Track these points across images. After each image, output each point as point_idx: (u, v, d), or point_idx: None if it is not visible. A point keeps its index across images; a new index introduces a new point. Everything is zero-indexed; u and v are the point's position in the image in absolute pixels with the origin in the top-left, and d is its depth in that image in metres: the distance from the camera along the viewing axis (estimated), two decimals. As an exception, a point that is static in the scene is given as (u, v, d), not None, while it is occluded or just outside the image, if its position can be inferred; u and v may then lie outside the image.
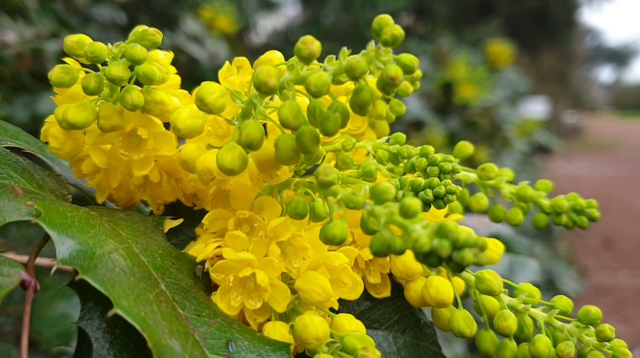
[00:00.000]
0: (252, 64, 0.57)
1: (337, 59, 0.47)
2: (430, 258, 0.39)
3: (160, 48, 1.88)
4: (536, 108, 12.79)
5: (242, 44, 3.61)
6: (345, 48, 0.46)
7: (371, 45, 0.45)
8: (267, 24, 5.38)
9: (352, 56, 0.45)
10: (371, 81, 0.53)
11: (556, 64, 15.89)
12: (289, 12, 6.17)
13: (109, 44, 0.52)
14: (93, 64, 0.54)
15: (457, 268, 0.38)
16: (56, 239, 0.44)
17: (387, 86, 0.44)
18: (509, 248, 0.98)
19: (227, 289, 0.50)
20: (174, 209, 0.64)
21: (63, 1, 2.76)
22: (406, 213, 0.40)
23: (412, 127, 3.70)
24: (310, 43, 0.43)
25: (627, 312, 6.26)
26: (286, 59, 0.50)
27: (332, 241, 0.45)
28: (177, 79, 0.58)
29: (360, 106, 0.45)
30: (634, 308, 6.36)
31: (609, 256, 7.98)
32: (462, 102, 3.86)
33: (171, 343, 0.40)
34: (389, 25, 0.43)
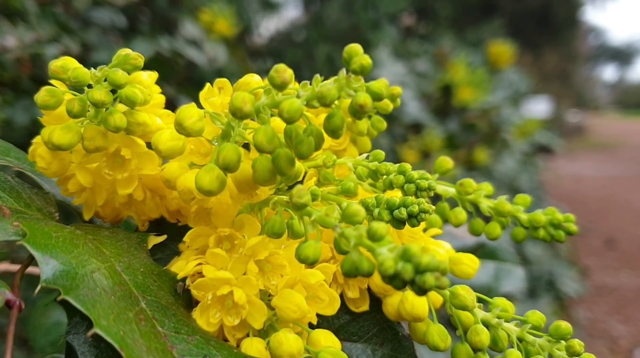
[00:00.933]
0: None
1: (311, 83, 0.48)
2: (394, 281, 0.40)
3: (159, 52, 1.88)
4: (539, 107, 12.78)
5: (241, 47, 3.63)
6: (318, 75, 0.47)
7: (342, 72, 0.46)
8: (269, 25, 5.39)
9: (324, 84, 0.47)
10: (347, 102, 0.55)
11: (559, 63, 15.87)
12: (291, 13, 6.18)
13: (92, 68, 0.53)
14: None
15: (420, 291, 0.39)
16: (40, 260, 0.45)
17: (357, 112, 0.45)
18: (495, 256, 1.00)
19: (206, 306, 0.52)
20: (159, 224, 0.65)
21: (63, 5, 2.78)
22: (373, 237, 0.42)
23: (411, 129, 3.71)
24: (283, 72, 0.45)
25: (628, 312, 6.26)
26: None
27: (306, 261, 0.47)
28: (162, 99, 0.60)
29: (332, 131, 0.47)
30: (635, 308, 6.37)
31: (610, 256, 7.98)
32: (461, 104, 3.87)
33: (148, 361, 0.42)
34: (358, 55, 0.45)
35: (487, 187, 0.69)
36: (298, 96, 0.47)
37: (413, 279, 0.39)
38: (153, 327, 0.47)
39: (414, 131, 3.75)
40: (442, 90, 3.94)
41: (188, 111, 0.49)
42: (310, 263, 0.47)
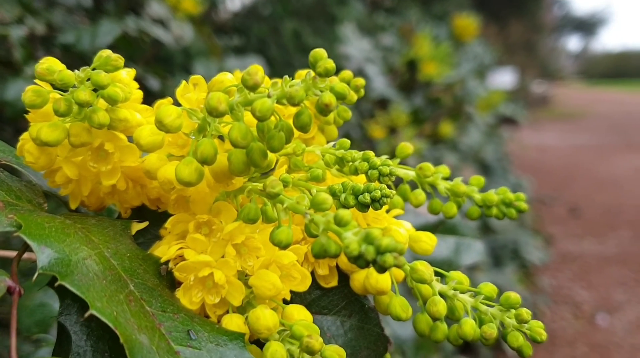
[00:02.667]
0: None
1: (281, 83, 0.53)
2: (359, 261, 0.46)
3: (126, 32, 1.89)
4: (504, 79, 12.94)
5: (207, 24, 3.62)
6: (287, 76, 0.52)
7: (309, 74, 0.51)
8: (235, 0, 5.36)
9: (292, 84, 0.51)
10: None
11: (524, 34, 16.03)
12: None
13: (76, 70, 0.57)
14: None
15: (381, 269, 0.45)
16: (36, 249, 0.50)
17: (323, 111, 0.50)
18: (455, 231, 1.06)
19: (188, 287, 0.57)
20: (139, 211, 0.70)
21: (26, -15, 2.75)
22: (340, 222, 0.47)
23: (378, 105, 3.76)
24: (255, 74, 0.50)
25: (591, 278, 6.46)
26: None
27: (279, 245, 0.52)
28: (140, 94, 0.64)
29: (301, 127, 0.52)
30: (598, 274, 6.57)
31: (574, 224, 8.19)
32: (426, 79, 3.93)
33: (140, 338, 0.47)
34: (322, 59, 0.50)
35: (444, 170, 0.75)
36: (269, 96, 0.51)
37: (375, 259, 0.45)
38: (142, 307, 0.52)
39: (381, 106, 3.80)
40: (408, 65, 3.99)
41: (167, 109, 0.54)
42: (284, 247, 0.52)
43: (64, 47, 2.59)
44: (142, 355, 0.46)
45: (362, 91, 0.74)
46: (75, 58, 2.87)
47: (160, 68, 2.94)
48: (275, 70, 3.54)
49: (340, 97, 0.51)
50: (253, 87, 0.50)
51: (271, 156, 0.59)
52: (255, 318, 0.54)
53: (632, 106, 24.15)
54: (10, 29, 2.40)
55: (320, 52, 0.51)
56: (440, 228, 1.04)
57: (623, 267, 6.72)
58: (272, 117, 0.53)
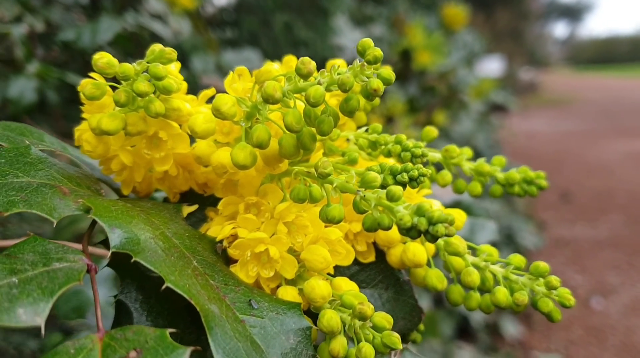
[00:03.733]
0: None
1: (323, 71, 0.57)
2: (411, 232, 0.51)
3: (124, 28, 1.93)
4: (492, 66, 13.00)
5: (202, 19, 3.65)
6: (336, 64, 0.56)
7: (357, 62, 0.56)
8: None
9: (341, 72, 0.56)
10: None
11: (510, 22, 16.09)
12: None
13: (134, 63, 0.61)
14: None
15: (433, 238, 0.50)
16: (108, 230, 0.54)
17: (370, 95, 0.55)
18: (469, 212, 1.11)
19: (245, 262, 0.62)
20: (184, 196, 0.74)
21: (23, -17, 2.77)
22: (392, 198, 0.52)
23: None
24: (308, 63, 0.54)
25: (584, 263, 6.54)
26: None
27: (332, 221, 0.56)
28: (185, 85, 0.68)
29: (349, 111, 0.56)
30: (591, 258, 6.65)
31: (566, 209, 8.27)
32: (420, 68, 3.98)
33: (211, 307, 0.51)
34: (370, 47, 0.54)
35: (467, 151, 0.79)
36: (319, 83, 0.56)
37: (427, 229, 0.49)
38: (207, 281, 0.56)
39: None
40: (401, 55, 4.03)
41: (223, 98, 0.58)
42: (336, 223, 0.57)
43: (64, 45, 2.61)
44: (215, 323, 0.50)
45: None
46: (76, 55, 2.90)
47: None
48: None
49: (386, 83, 0.55)
50: (307, 76, 0.54)
51: (315, 145, 0.64)
52: (310, 288, 0.58)
53: (620, 92, 24.34)
54: (11, 28, 2.42)
55: (368, 42, 0.55)
56: (455, 208, 1.08)
57: (616, 251, 6.81)
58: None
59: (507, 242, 4.89)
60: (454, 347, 3.33)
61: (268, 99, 0.55)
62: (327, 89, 0.57)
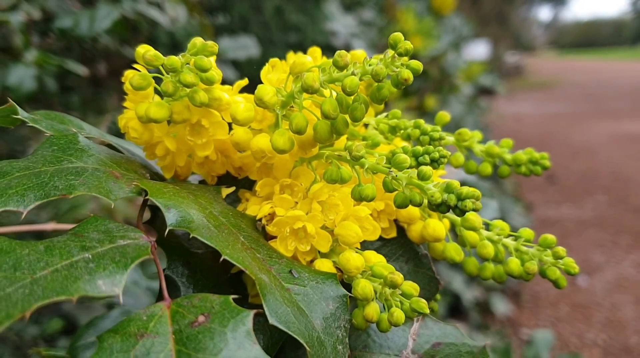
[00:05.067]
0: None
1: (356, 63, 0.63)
2: (441, 207, 0.57)
3: (123, 16, 1.97)
4: (478, 51, 13.07)
5: (197, 6, 3.67)
6: (367, 57, 0.62)
7: (387, 53, 0.61)
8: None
9: (372, 63, 0.61)
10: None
11: (496, 6, 16.16)
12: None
13: (179, 56, 0.66)
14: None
15: (461, 212, 0.56)
16: (164, 209, 0.59)
17: (400, 84, 0.60)
18: (475, 192, 1.17)
19: (284, 237, 0.68)
20: (219, 179, 0.80)
21: (18, -29, 2.78)
22: (423, 177, 0.58)
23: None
24: (345, 56, 0.60)
25: (570, 242, 6.66)
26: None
27: (366, 199, 0.63)
28: (221, 75, 0.74)
29: (381, 99, 0.62)
30: (576, 238, 6.77)
31: (552, 190, 8.40)
32: (412, 53, 4.03)
33: (262, 277, 0.57)
34: (401, 41, 0.60)
35: (477, 135, 0.85)
36: (354, 74, 0.61)
37: (456, 204, 0.56)
38: (254, 254, 0.62)
39: (369, 80, 3.89)
40: (394, 40, 4.08)
41: (265, 89, 0.63)
42: (370, 200, 0.63)
43: (61, 32, 2.63)
44: (267, 291, 0.56)
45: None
46: (73, 42, 2.92)
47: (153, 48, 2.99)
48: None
49: (415, 73, 0.61)
50: (343, 67, 0.60)
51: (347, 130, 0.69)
52: (345, 260, 0.65)
53: (603, 74, 24.55)
54: (9, 16, 2.44)
55: (399, 36, 0.61)
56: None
57: (600, 230, 6.94)
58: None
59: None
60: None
61: (307, 90, 0.60)
62: (361, 79, 0.62)
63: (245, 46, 3.09)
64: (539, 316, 5.03)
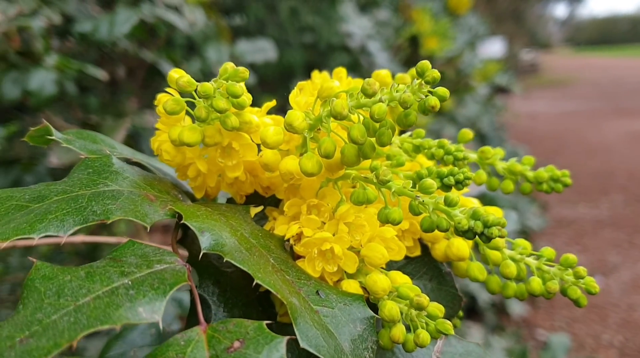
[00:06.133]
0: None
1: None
2: (467, 234, 0.58)
3: (142, 20, 2.00)
4: (494, 48, 13.03)
5: (214, 8, 3.70)
6: (395, 84, 0.63)
7: (415, 81, 0.63)
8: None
9: (399, 90, 0.63)
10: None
11: (511, 3, 16.08)
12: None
13: (212, 81, 0.68)
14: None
15: (487, 240, 0.57)
16: (198, 233, 0.61)
17: (427, 111, 0.62)
18: (494, 203, 1.18)
19: (312, 258, 0.69)
20: (247, 196, 0.82)
21: (38, -24, 2.81)
22: (450, 203, 0.59)
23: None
24: (373, 84, 0.61)
25: (586, 242, 6.64)
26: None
27: (393, 223, 0.64)
28: (250, 98, 0.75)
29: (408, 124, 0.63)
30: (592, 238, 6.74)
31: (568, 190, 8.28)
32: (428, 54, 4.04)
33: (293, 300, 0.59)
34: (429, 69, 0.61)
35: (499, 152, 0.87)
36: (381, 100, 0.63)
37: (482, 232, 0.57)
38: (283, 276, 0.64)
39: (385, 82, 3.91)
40: (410, 41, 4.09)
41: (295, 114, 0.65)
42: (396, 224, 0.65)
43: (81, 37, 2.66)
44: (298, 314, 0.58)
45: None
46: (92, 46, 2.95)
47: (172, 52, 3.03)
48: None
49: (442, 100, 0.62)
50: (372, 95, 0.62)
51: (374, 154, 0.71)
52: (372, 282, 0.66)
53: (620, 71, 24.34)
54: (31, 21, 2.48)
55: (426, 64, 0.62)
56: (481, 200, 1.16)
57: (616, 230, 6.90)
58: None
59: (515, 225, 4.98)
60: (463, 327, 3.43)
61: (336, 116, 0.62)
62: (388, 106, 0.64)
63: (263, 49, 3.11)
64: (555, 317, 5.02)
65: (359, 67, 4.01)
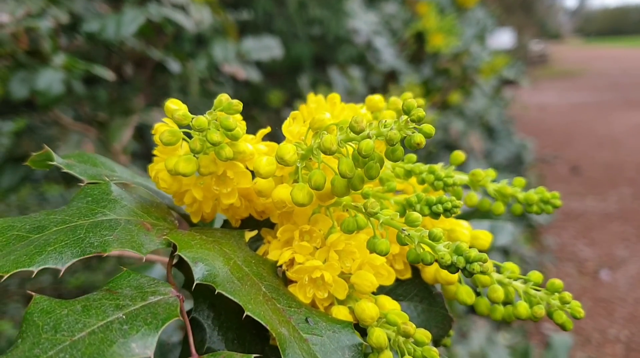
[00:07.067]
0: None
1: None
2: (450, 268, 0.60)
3: (148, 19, 2.01)
4: (503, 39, 12.96)
5: (221, 6, 3.71)
6: (383, 121, 0.65)
7: (402, 118, 0.65)
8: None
9: (387, 125, 0.65)
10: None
11: (521, -7, 15.97)
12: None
13: (206, 114, 0.70)
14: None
15: (470, 274, 0.59)
16: (191, 264, 0.63)
17: (412, 147, 0.64)
18: (489, 216, 1.20)
19: (303, 285, 0.72)
20: (243, 220, 0.84)
21: (45, -25, 2.83)
22: (434, 238, 0.61)
23: (388, 77, 3.89)
24: (361, 122, 0.63)
25: (594, 235, 6.64)
26: None
27: (380, 253, 0.66)
28: (245, 126, 0.78)
29: (395, 159, 0.65)
30: (600, 231, 6.74)
31: (576, 182, 8.35)
32: (434, 50, 4.05)
33: (282, 331, 0.61)
34: (414, 108, 0.63)
35: (491, 173, 0.88)
36: (369, 136, 0.65)
37: (464, 267, 0.59)
38: (274, 305, 0.66)
39: (391, 78, 3.92)
40: (415, 37, 4.09)
41: (286, 147, 0.67)
42: (383, 255, 0.67)
43: (88, 36, 2.68)
44: (287, 345, 0.60)
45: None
46: (99, 45, 2.97)
47: (179, 50, 3.05)
48: (282, 42, 3.63)
49: (427, 137, 0.64)
50: (359, 132, 0.64)
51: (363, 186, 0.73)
52: (361, 310, 0.69)
53: (630, 62, 24.17)
54: (39, 21, 2.50)
55: (412, 103, 0.64)
56: (476, 213, 1.18)
57: (624, 224, 6.90)
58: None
59: (520, 217, 4.98)
60: (468, 321, 3.45)
61: (326, 151, 0.64)
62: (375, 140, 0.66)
63: (269, 47, 3.13)
64: (561, 311, 5.02)
65: (365, 60, 4.02)
